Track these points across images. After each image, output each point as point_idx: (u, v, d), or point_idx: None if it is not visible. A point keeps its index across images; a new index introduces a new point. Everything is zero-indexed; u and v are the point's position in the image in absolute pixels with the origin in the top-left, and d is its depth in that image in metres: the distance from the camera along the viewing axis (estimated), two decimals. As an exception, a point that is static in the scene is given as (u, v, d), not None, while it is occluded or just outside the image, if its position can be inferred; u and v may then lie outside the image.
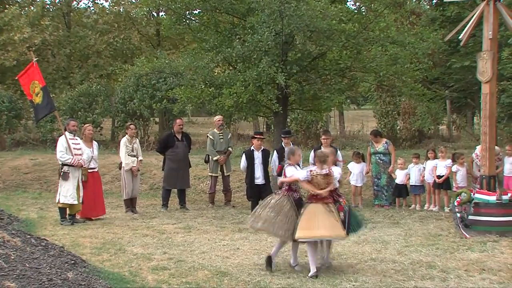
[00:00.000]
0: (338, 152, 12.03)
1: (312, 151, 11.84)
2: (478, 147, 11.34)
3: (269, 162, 11.97)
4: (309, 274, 6.99)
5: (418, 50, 12.69)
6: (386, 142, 12.88)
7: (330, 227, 7.10)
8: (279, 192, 7.66)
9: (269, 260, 7.39)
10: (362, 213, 10.96)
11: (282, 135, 12.00)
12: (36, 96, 11.25)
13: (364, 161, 12.90)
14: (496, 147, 11.03)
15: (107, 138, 22.83)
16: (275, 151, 11.88)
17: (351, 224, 7.36)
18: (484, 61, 9.70)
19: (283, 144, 11.80)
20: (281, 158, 10.54)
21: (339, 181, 7.69)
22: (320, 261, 7.43)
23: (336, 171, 7.61)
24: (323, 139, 11.99)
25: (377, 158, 12.71)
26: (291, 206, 7.39)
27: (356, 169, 12.85)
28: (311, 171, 7.40)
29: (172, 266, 7.49)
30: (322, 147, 11.82)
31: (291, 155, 7.73)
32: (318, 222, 7.10)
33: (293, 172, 7.53)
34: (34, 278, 5.53)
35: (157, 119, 23.09)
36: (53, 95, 22.23)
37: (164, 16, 21.37)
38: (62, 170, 10.73)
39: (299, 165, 7.85)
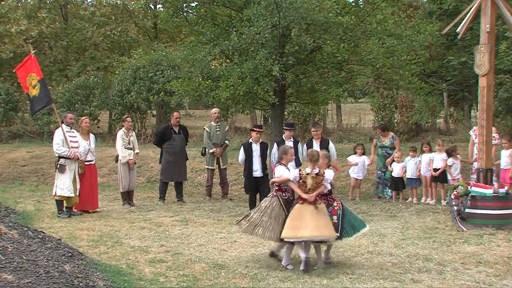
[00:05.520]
0: (330, 143, 11.94)
1: (305, 145, 11.81)
2: (474, 127, 11.51)
3: (268, 155, 11.93)
4: (300, 268, 6.93)
5: (415, 42, 12.67)
6: (392, 137, 12.99)
7: (318, 227, 6.91)
8: (270, 194, 7.56)
9: (272, 255, 7.45)
10: (360, 213, 11.00)
11: (284, 127, 11.88)
12: (33, 89, 11.24)
13: (365, 154, 12.89)
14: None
15: (104, 131, 22.80)
16: (275, 143, 11.82)
17: (344, 228, 7.19)
18: (481, 54, 9.68)
19: (283, 136, 11.74)
20: None
21: (331, 184, 7.34)
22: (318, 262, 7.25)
23: (329, 173, 7.28)
24: (313, 131, 11.92)
25: (384, 151, 12.82)
26: (280, 206, 7.26)
27: (357, 161, 12.83)
28: (300, 170, 7.23)
29: (169, 259, 7.50)
30: (313, 139, 11.79)
31: (284, 154, 7.56)
32: (305, 222, 6.92)
33: (282, 172, 7.36)
34: (31, 270, 5.53)
35: (154, 112, 23.10)
36: (50, 87, 22.13)
37: (161, 9, 21.27)
38: (58, 163, 10.74)
39: (298, 163, 7.71)
